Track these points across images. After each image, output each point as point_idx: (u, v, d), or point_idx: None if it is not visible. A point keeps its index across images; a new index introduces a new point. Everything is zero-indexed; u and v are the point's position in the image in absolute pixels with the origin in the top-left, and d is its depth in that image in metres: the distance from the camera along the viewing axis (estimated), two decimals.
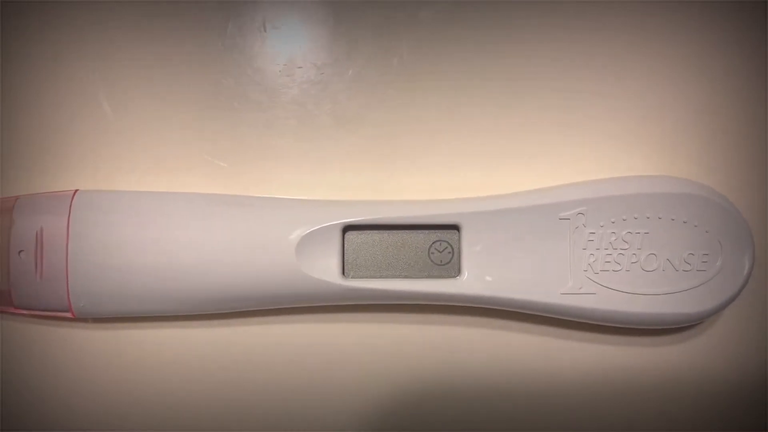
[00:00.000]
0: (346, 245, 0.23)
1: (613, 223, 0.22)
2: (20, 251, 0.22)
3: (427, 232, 0.23)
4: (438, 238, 0.23)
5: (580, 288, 0.22)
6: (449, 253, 0.23)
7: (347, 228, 0.23)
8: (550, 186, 0.24)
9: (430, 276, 0.23)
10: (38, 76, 0.24)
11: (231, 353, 0.24)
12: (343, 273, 0.22)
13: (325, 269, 0.22)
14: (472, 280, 0.22)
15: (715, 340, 0.24)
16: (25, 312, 0.23)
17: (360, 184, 0.24)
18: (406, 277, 0.23)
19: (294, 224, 0.22)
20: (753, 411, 0.24)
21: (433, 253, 0.23)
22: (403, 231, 0.23)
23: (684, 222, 0.22)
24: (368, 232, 0.23)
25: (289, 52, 0.25)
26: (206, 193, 0.23)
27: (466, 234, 0.23)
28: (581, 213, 0.22)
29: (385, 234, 0.23)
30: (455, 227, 0.23)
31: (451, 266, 0.23)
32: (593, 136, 0.24)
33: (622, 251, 0.22)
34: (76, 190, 0.23)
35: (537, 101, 0.24)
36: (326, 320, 0.24)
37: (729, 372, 0.24)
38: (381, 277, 0.23)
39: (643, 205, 0.22)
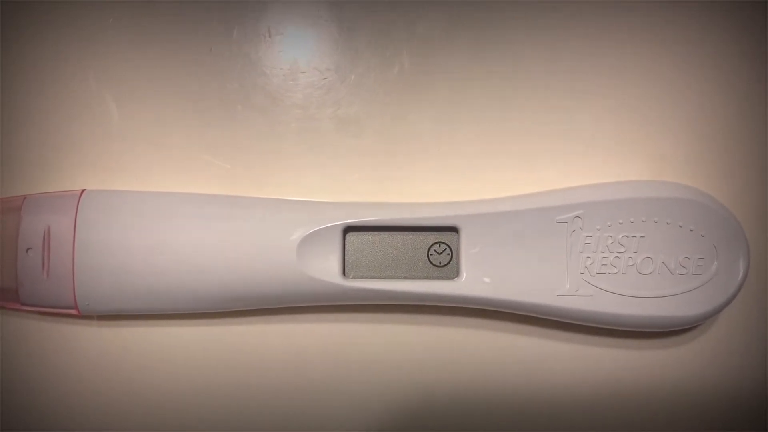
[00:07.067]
0: (346, 246, 0.23)
1: (609, 226, 0.23)
2: (28, 249, 0.22)
3: (426, 233, 0.23)
4: (437, 240, 0.23)
5: (577, 290, 0.23)
6: (448, 254, 0.23)
7: (348, 229, 0.23)
8: (547, 190, 0.24)
9: (429, 277, 0.23)
10: (45, 78, 0.25)
11: (232, 352, 0.24)
12: (344, 273, 0.23)
13: (325, 269, 0.23)
14: (471, 281, 0.23)
15: (710, 343, 0.25)
16: (31, 309, 0.23)
17: (361, 186, 0.25)
18: (405, 278, 0.23)
19: (295, 225, 0.23)
20: (750, 413, 0.25)
21: (432, 254, 0.23)
22: (402, 232, 0.23)
23: (680, 226, 0.23)
24: (368, 233, 0.23)
25: (293, 57, 0.25)
26: (210, 194, 0.24)
27: (464, 236, 0.23)
28: (578, 216, 0.23)
29: (385, 235, 0.23)
30: (454, 229, 0.23)
31: (449, 268, 0.23)
32: (590, 141, 0.25)
33: (618, 254, 0.23)
34: (83, 190, 0.23)
35: (534, 106, 0.25)
36: (326, 320, 0.24)
37: (725, 375, 0.25)
38: (381, 277, 0.23)
39: (639, 209, 0.23)
